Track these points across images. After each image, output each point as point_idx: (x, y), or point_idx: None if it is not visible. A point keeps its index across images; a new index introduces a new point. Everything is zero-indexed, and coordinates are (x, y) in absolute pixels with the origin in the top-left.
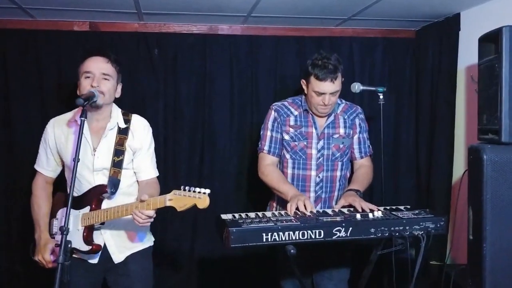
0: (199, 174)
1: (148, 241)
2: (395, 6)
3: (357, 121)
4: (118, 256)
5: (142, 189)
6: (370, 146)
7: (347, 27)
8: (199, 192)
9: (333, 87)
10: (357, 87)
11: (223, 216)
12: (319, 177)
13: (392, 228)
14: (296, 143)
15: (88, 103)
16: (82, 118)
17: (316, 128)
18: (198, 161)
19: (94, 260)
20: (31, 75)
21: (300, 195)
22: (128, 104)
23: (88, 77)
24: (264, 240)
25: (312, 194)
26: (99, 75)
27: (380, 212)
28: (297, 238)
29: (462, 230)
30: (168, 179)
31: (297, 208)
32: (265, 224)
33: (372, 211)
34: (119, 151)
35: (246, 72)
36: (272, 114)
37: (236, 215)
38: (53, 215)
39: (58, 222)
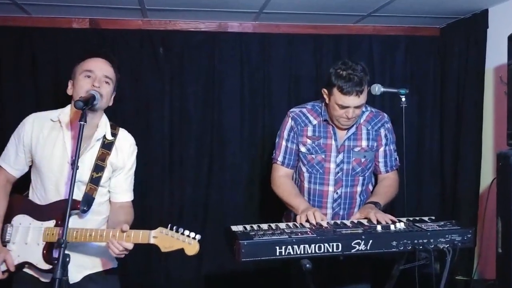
0: (207, 183)
1: (112, 262)
2: (418, 2)
3: (382, 132)
4: (75, 275)
5: (115, 212)
6: (397, 159)
7: (367, 24)
8: (188, 236)
9: (358, 101)
10: (377, 89)
11: (233, 228)
12: (337, 193)
13: (416, 241)
14: (313, 156)
15: (88, 107)
16: (82, 123)
17: (336, 140)
18: (206, 169)
19: (47, 279)
20: (26, 76)
21: (310, 208)
22: (131, 106)
23: (89, 76)
24: (278, 253)
25: (329, 211)
26: (101, 76)
27: (402, 224)
28: (313, 251)
29: (490, 242)
30: (174, 188)
31: (307, 221)
32: (278, 237)
33: (393, 222)
34: (99, 167)
35: (258, 73)
36: (289, 123)
37: (247, 226)
38: (7, 220)
39: (13, 230)
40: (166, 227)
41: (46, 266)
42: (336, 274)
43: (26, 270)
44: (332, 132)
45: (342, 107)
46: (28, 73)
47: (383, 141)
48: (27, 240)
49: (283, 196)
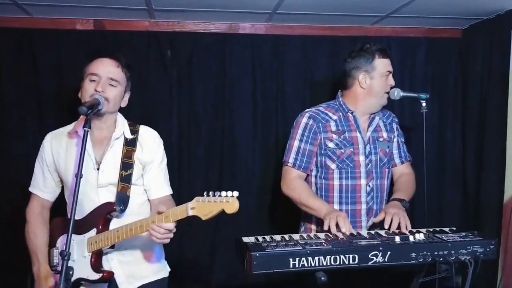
0: (218, 190)
1: (163, 271)
2: (439, 2)
3: (394, 125)
4: (126, 287)
5: (156, 208)
6: (408, 153)
7: (385, 26)
8: (226, 196)
9: None
10: (396, 93)
11: (245, 239)
12: (369, 186)
13: (436, 253)
14: (342, 150)
15: (92, 112)
16: (86, 129)
17: (360, 132)
18: (216, 176)
19: None
20: (27, 79)
21: (336, 211)
22: (138, 111)
23: (93, 80)
24: (291, 265)
25: (364, 206)
26: (105, 79)
27: (422, 235)
28: (328, 263)
29: None
30: (182, 196)
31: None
32: (292, 248)
33: (412, 233)
34: (127, 164)
35: (271, 77)
36: (304, 122)
37: (260, 237)
38: (52, 244)
39: (59, 251)
40: (202, 195)
41: (97, 276)
42: (353, 287)
43: None
44: (354, 124)
45: (387, 75)
46: (29, 77)
47: (396, 133)
48: (74, 257)
49: (300, 199)
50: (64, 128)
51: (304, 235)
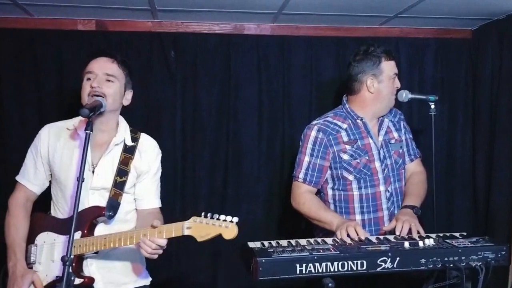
0: (222, 197)
1: (144, 279)
2: (448, 2)
3: (402, 122)
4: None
5: (144, 219)
6: (417, 149)
7: (393, 26)
8: (225, 221)
9: None
10: (404, 95)
11: (251, 244)
12: (388, 191)
13: (446, 259)
14: (357, 160)
15: (94, 114)
16: (88, 132)
17: (371, 137)
18: (221, 182)
19: None
20: (28, 80)
21: (347, 221)
22: (141, 114)
23: (89, 78)
24: (298, 272)
25: (386, 212)
26: (102, 75)
27: (431, 240)
28: (336, 269)
29: None
30: (186, 202)
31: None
32: (299, 254)
33: (422, 238)
34: (122, 171)
35: (277, 78)
36: (313, 135)
37: (266, 243)
38: (30, 240)
39: (38, 249)
40: (199, 216)
41: (77, 281)
42: None
43: None
44: (365, 131)
45: (394, 77)
46: (31, 78)
47: (403, 131)
48: (54, 257)
49: (310, 212)
50: (63, 122)
51: (311, 240)
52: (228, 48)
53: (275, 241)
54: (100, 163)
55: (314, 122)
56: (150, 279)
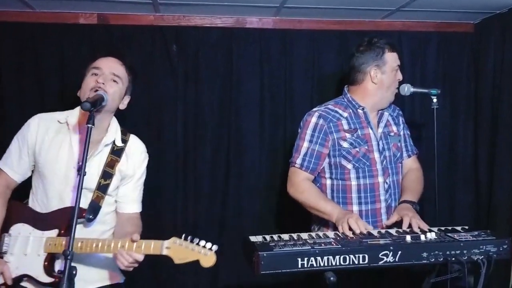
0: (224, 192)
1: (117, 277)
2: None
3: (400, 118)
4: None
5: (123, 224)
6: (414, 146)
7: (395, 20)
8: (204, 247)
9: None
10: (406, 89)
11: (252, 238)
12: (387, 183)
13: (448, 252)
14: (357, 149)
15: (96, 108)
16: (89, 125)
17: (372, 128)
18: (223, 176)
19: None
20: (30, 75)
21: (348, 213)
22: (142, 108)
23: (96, 74)
24: (300, 266)
25: (383, 204)
26: (108, 74)
27: (433, 234)
28: (338, 263)
29: None
30: (188, 196)
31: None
32: (300, 248)
33: (424, 232)
34: (107, 174)
35: (279, 72)
36: (313, 122)
37: (267, 237)
38: (4, 229)
39: (11, 240)
40: (180, 237)
41: (47, 279)
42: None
43: (24, 283)
44: (366, 120)
45: (397, 69)
46: (32, 72)
47: (401, 126)
48: (27, 251)
49: (308, 201)
50: (53, 114)
51: (313, 234)
52: (230, 42)
53: (276, 235)
54: (89, 163)
55: (314, 109)
56: (124, 277)
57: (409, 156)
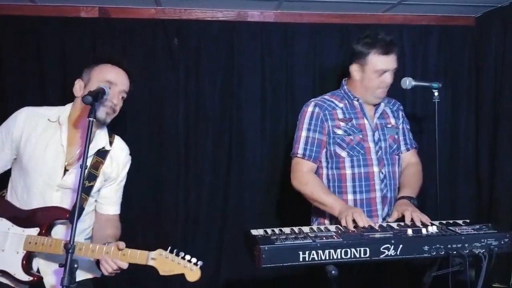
0: (226, 184)
1: (94, 271)
2: None
3: (400, 112)
4: (52, 284)
5: (102, 225)
6: (414, 140)
7: (397, 13)
8: (190, 262)
9: (396, 62)
10: (408, 82)
11: (253, 232)
12: (382, 172)
13: (449, 246)
14: (351, 137)
15: (97, 101)
16: (91, 119)
17: (367, 119)
18: (224, 169)
19: None
20: (31, 69)
21: (351, 208)
22: (143, 102)
23: (109, 88)
24: (301, 259)
25: (378, 194)
26: (120, 91)
27: (435, 227)
28: (339, 257)
29: None
30: (189, 189)
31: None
32: (302, 241)
33: (425, 225)
34: (92, 176)
35: (280, 66)
36: (310, 111)
37: (269, 230)
38: None
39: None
40: (166, 250)
41: (25, 278)
42: (365, 281)
43: (1, 279)
44: (361, 111)
45: (382, 72)
46: (33, 66)
47: (401, 120)
48: (5, 247)
49: (312, 194)
50: (43, 109)
51: (314, 228)
52: (231, 35)
53: (278, 228)
54: (76, 165)
55: (310, 101)
56: (100, 272)
57: (407, 149)
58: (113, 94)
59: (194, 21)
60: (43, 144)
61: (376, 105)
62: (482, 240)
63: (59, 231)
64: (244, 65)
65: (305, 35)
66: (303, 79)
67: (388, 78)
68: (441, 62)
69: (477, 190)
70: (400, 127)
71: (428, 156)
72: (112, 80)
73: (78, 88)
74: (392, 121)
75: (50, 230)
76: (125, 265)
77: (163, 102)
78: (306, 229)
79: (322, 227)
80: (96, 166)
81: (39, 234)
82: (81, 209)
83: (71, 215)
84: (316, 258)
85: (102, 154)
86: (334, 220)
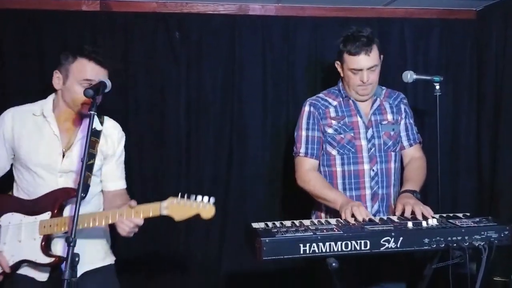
0: (227, 178)
1: (109, 257)
2: None
3: (402, 106)
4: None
5: (111, 200)
6: (418, 134)
7: (398, 7)
8: (202, 201)
9: (369, 60)
10: (409, 76)
11: (254, 225)
12: (373, 170)
13: (449, 238)
14: (342, 135)
15: (98, 95)
16: (92, 112)
17: (361, 116)
18: (225, 163)
19: (43, 277)
20: (32, 62)
21: (351, 201)
22: (145, 96)
23: (86, 86)
24: (302, 251)
25: (368, 191)
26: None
27: (435, 220)
28: (340, 249)
29: None
30: (190, 183)
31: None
32: (302, 234)
33: (425, 218)
34: (90, 154)
35: (281, 59)
36: (306, 110)
37: (269, 223)
38: None
39: (2, 230)
40: (176, 197)
41: (46, 260)
42: (366, 274)
43: (22, 270)
44: (355, 109)
45: (355, 71)
46: (34, 60)
47: (403, 115)
48: (21, 237)
49: (314, 190)
50: (26, 106)
51: (315, 221)
52: (233, 28)
53: (278, 221)
54: (72, 148)
55: (308, 99)
56: (114, 258)
57: (410, 145)
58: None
59: (195, 15)
60: (36, 138)
61: (373, 101)
62: (482, 233)
63: (68, 212)
64: (245, 58)
65: (306, 28)
66: (304, 72)
67: (364, 76)
68: (442, 56)
69: (479, 183)
70: (402, 122)
71: (429, 150)
72: (89, 77)
73: (57, 81)
74: (390, 117)
75: (61, 212)
76: (140, 221)
77: (164, 95)
78: (306, 222)
79: (323, 220)
80: (93, 145)
81: (52, 216)
82: (87, 186)
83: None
84: (317, 251)
85: (95, 134)
86: (329, 213)
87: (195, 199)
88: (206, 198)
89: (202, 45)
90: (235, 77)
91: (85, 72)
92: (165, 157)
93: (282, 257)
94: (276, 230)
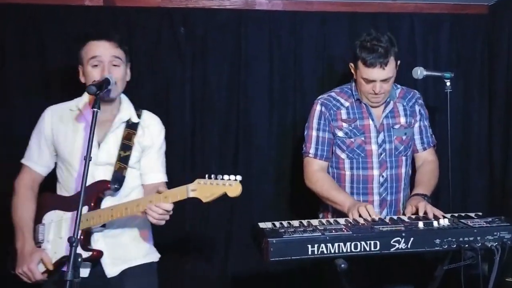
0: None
1: (151, 254)
2: None
3: (417, 107)
4: (111, 269)
5: (150, 193)
6: (433, 136)
7: (408, 2)
8: (229, 180)
9: (384, 73)
10: (419, 72)
11: (261, 225)
12: (382, 176)
13: (461, 239)
14: (352, 139)
15: (102, 91)
16: (95, 109)
17: (373, 120)
18: (231, 161)
19: (85, 273)
20: (34, 58)
21: (359, 203)
22: (149, 92)
23: (96, 65)
24: (310, 252)
25: (376, 197)
26: (108, 60)
27: (446, 220)
28: (349, 250)
29: None
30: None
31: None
32: (310, 234)
33: (437, 218)
34: (126, 146)
35: (288, 55)
36: (318, 110)
37: (277, 223)
38: (38, 220)
39: (45, 228)
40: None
41: (86, 254)
42: (375, 275)
43: (64, 268)
44: (367, 111)
45: (368, 81)
46: (36, 57)
47: (418, 117)
48: (62, 234)
49: (322, 192)
50: (64, 104)
51: (323, 221)
52: (239, 24)
53: (286, 221)
54: (106, 140)
55: (319, 97)
56: (159, 255)
57: (424, 149)
58: (102, 67)
59: (200, 10)
60: (73, 133)
61: (386, 103)
62: (495, 233)
63: (108, 204)
64: (252, 54)
65: (313, 23)
66: (312, 68)
67: (376, 87)
68: (453, 52)
69: (490, 181)
70: (416, 125)
71: (440, 147)
72: (96, 54)
73: (80, 74)
74: (403, 120)
75: (99, 204)
76: (169, 206)
77: (169, 91)
78: (315, 222)
79: (331, 220)
80: (129, 137)
81: (90, 210)
82: (121, 177)
83: (112, 184)
84: (325, 252)
85: (132, 126)
86: (336, 215)
87: (222, 178)
88: (232, 176)
89: (208, 40)
90: (241, 73)
91: (90, 51)
92: (169, 155)
93: (289, 258)
94: (283, 230)
